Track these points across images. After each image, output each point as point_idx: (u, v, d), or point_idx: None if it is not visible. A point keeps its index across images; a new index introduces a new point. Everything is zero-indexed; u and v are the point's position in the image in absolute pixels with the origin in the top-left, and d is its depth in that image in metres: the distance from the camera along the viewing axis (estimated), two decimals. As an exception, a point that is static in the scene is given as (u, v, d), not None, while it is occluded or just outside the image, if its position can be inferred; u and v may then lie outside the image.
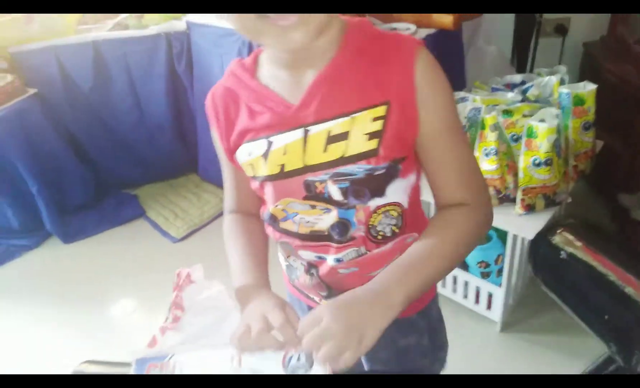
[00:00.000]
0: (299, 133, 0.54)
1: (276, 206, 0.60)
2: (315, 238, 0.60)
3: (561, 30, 1.93)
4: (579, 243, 0.49)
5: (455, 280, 1.41)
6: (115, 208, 2.14)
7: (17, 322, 1.71)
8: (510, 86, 1.35)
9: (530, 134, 1.08)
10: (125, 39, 1.87)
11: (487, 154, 1.15)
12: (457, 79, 1.47)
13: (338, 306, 0.48)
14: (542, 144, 1.07)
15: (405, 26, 1.36)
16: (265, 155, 0.57)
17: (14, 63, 1.95)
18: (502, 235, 1.24)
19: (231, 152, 0.61)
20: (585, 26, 1.94)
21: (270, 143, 0.56)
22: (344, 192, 0.55)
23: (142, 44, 1.89)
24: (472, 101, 1.23)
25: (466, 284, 1.39)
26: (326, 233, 0.59)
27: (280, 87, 0.55)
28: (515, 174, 1.15)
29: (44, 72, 1.93)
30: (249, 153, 0.58)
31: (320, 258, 0.62)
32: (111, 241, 2.02)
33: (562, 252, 0.49)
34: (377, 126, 0.52)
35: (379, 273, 0.52)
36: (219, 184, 2.10)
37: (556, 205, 1.16)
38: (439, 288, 1.45)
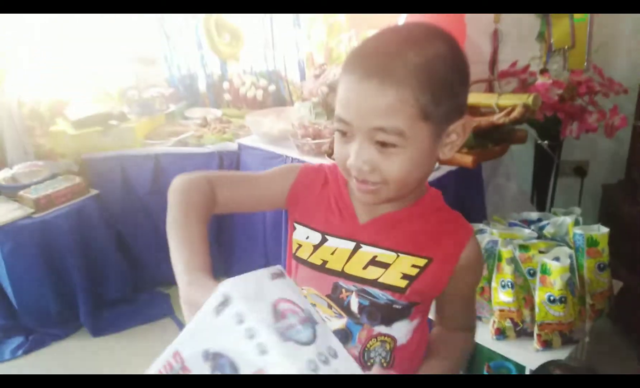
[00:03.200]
0: (351, 244, 0.65)
1: (301, 289, 0.68)
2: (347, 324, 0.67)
3: (580, 172, 2.06)
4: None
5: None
6: (148, 305, 2.26)
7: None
8: (528, 223, 1.44)
9: (544, 271, 1.15)
10: (184, 154, 2.13)
11: (503, 286, 1.22)
12: (477, 211, 1.58)
13: None
14: (556, 282, 1.13)
15: (430, 162, 1.52)
16: (317, 246, 0.67)
17: (84, 167, 2.23)
18: (521, 369, 1.25)
19: (291, 206, 0.71)
20: (604, 169, 2.06)
21: (325, 239, 0.67)
22: (361, 308, 0.64)
23: (197, 159, 2.13)
24: (489, 234, 1.33)
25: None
26: (367, 317, 0.66)
27: (359, 206, 0.67)
28: (532, 309, 1.20)
29: (107, 177, 2.19)
30: (307, 236, 0.68)
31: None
32: (138, 338, 2.10)
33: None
34: (414, 271, 0.63)
35: None
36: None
37: (574, 343, 1.19)
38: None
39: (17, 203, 2.09)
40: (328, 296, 0.66)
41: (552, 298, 1.14)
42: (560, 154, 1.90)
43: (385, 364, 0.66)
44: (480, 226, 1.39)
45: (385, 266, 0.64)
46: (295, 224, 0.71)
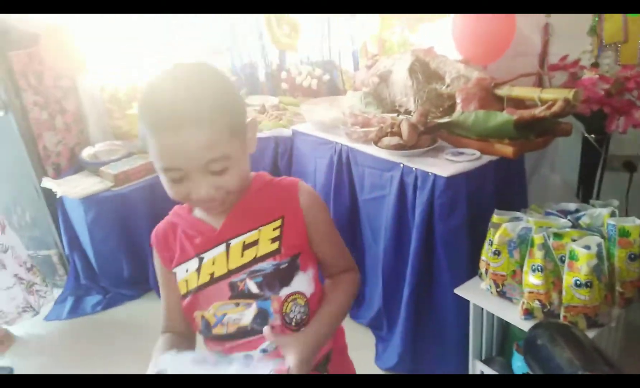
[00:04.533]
0: (222, 247, 0.77)
1: (208, 311, 0.78)
2: (240, 335, 0.77)
3: (629, 166, 2.04)
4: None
5: None
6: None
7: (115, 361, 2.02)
8: (565, 213, 1.50)
9: (572, 256, 1.23)
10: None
11: (533, 270, 1.30)
12: (518, 201, 1.64)
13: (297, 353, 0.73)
14: (582, 267, 1.20)
15: (472, 151, 1.60)
16: (199, 269, 0.78)
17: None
18: (548, 347, 1.33)
19: (170, 274, 0.82)
20: (656, 165, 2.03)
21: (201, 259, 0.78)
22: (260, 285, 0.76)
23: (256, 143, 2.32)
24: (525, 221, 1.41)
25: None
26: (249, 328, 0.76)
27: (208, 218, 0.80)
28: (560, 292, 1.28)
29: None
30: (186, 269, 0.79)
31: (247, 356, 0.78)
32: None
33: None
34: (277, 232, 0.77)
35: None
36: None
37: (598, 326, 1.25)
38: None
39: (98, 177, 2.39)
40: (231, 297, 0.77)
41: (578, 282, 1.21)
42: (608, 148, 1.90)
43: (305, 316, 0.79)
44: (517, 214, 1.47)
45: (255, 243, 0.76)
46: (174, 271, 0.81)
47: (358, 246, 1.95)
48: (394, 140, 1.65)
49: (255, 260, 0.76)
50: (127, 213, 2.30)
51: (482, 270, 1.49)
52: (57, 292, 2.45)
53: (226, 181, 0.71)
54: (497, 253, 1.39)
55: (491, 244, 1.42)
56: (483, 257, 1.49)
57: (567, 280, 1.24)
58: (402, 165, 1.62)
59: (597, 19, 1.85)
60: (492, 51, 1.87)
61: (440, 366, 1.66)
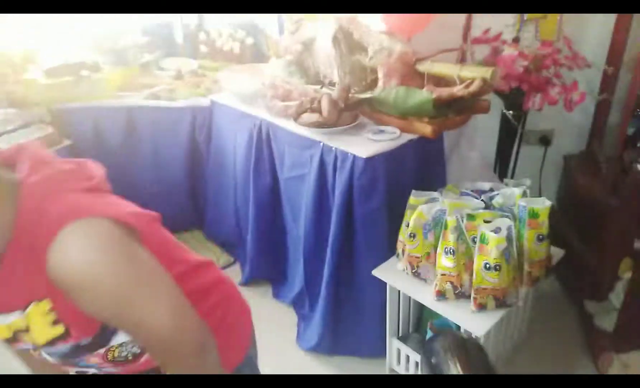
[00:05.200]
0: None
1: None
2: (66, 362, 0.61)
3: (544, 141, 2.11)
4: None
5: (417, 364, 1.51)
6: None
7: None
8: (480, 193, 1.51)
9: (483, 240, 1.23)
10: (156, 107, 2.13)
11: (446, 253, 1.30)
12: (438, 180, 1.64)
13: None
14: (492, 251, 1.21)
15: (392, 129, 1.55)
16: None
17: (56, 117, 2.22)
18: (458, 328, 1.36)
19: None
20: (568, 140, 2.12)
21: None
22: (62, 357, 0.58)
23: (170, 114, 2.14)
24: (440, 203, 1.40)
25: (417, 364, 1.48)
26: (72, 357, 0.59)
27: None
28: (472, 274, 1.29)
29: (80, 128, 2.19)
30: None
31: (82, 371, 0.64)
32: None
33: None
34: (52, 316, 0.51)
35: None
36: (220, 244, 2.28)
37: (507, 307, 1.29)
38: (403, 372, 1.55)
39: (-10, 150, 2.10)
40: (34, 350, 0.60)
41: (487, 265, 1.22)
42: (525, 123, 1.94)
43: (139, 350, 0.62)
44: (434, 195, 1.46)
45: (26, 329, 0.53)
46: None
47: (279, 226, 1.88)
48: (314, 117, 1.56)
49: (41, 346, 0.55)
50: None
51: (399, 250, 1.48)
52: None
53: None
54: (412, 236, 1.37)
55: (407, 226, 1.40)
56: (400, 237, 1.47)
57: (478, 263, 1.24)
58: (322, 144, 1.55)
59: (518, -7, 1.83)
60: (416, 21, 1.80)
61: (359, 344, 1.67)
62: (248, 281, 2.01)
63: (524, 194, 1.43)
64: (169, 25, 2.57)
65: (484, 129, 1.94)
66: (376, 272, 1.47)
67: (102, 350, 0.60)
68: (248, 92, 1.90)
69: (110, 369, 0.64)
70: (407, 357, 1.53)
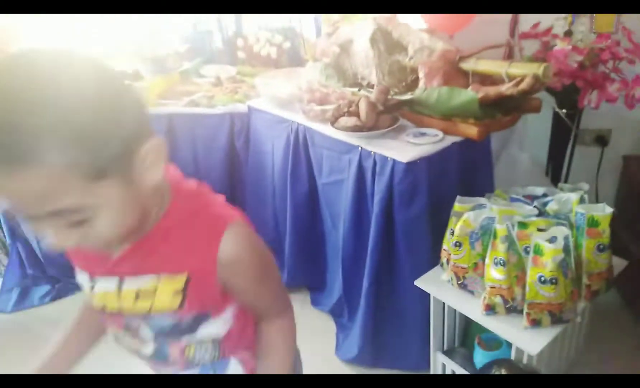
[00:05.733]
0: (114, 281, 0.62)
1: (110, 330, 0.71)
2: (144, 357, 0.69)
3: (601, 141, 1.96)
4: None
5: (453, 374, 1.42)
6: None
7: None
8: (532, 198, 1.40)
9: (537, 251, 1.13)
10: (196, 115, 2.15)
11: (496, 264, 1.21)
12: (484, 185, 1.54)
13: None
14: (548, 263, 1.11)
15: (434, 132, 1.48)
16: (92, 289, 0.66)
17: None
18: (509, 344, 1.26)
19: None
20: (627, 139, 1.95)
21: (94, 281, 0.65)
22: (155, 336, 0.64)
23: (209, 120, 2.14)
24: (488, 210, 1.30)
25: (476, 387, 1.39)
26: (152, 357, 0.68)
27: None
28: (524, 287, 1.19)
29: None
30: (82, 280, 0.67)
31: (157, 367, 0.71)
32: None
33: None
34: (180, 287, 0.59)
35: None
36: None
37: (563, 323, 1.18)
38: None
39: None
40: (124, 329, 0.67)
41: (542, 278, 1.13)
42: (580, 122, 1.81)
43: (215, 356, 0.68)
44: (481, 201, 1.37)
45: (152, 294, 0.60)
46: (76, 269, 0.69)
47: (318, 232, 1.84)
48: (352, 121, 1.51)
49: (150, 312, 0.62)
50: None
51: (444, 259, 1.40)
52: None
53: (91, 233, 0.50)
54: (458, 245, 1.29)
55: (452, 234, 1.32)
56: (444, 246, 1.39)
57: (531, 275, 1.15)
58: (360, 148, 1.49)
59: (571, -18, 1.70)
60: (459, 18, 1.72)
61: (401, 358, 1.59)
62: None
63: (582, 200, 1.32)
64: (208, 33, 2.59)
65: (535, 129, 1.82)
66: (419, 282, 1.40)
67: (184, 339, 0.65)
68: (284, 96, 1.88)
69: (179, 371, 0.69)
70: (453, 372, 1.45)
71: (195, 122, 2.16)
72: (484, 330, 1.32)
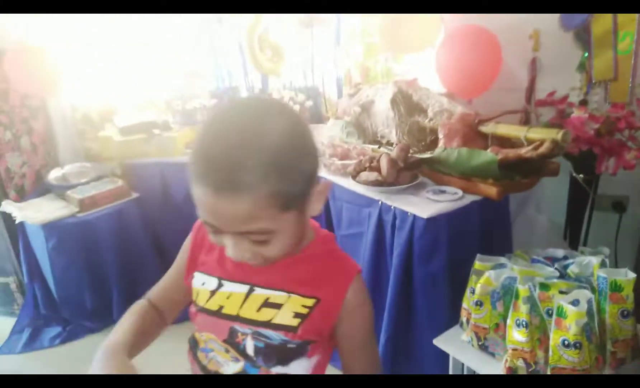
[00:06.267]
0: (245, 288, 0.68)
1: (201, 335, 0.71)
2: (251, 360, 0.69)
3: (619, 207, 1.96)
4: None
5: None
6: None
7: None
8: (552, 260, 1.40)
9: (560, 313, 1.12)
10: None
11: (518, 325, 1.19)
12: (502, 244, 1.55)
13: None
14: (571, 326, 1.09)
15: (454, 190, 1.50)
16: (213, 292, 0.70)
17: (126, 171, 2.37)
18: (533, 411, 1.22)
19: (191, 263, 0.75)
20: (646, 207, 1.96)
21: (221, 285, 0.69)
22: (257, 351, 0.66)
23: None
24: (509, 269, 1.30)
25: None
26: (263, 355, 0.68)
27: None
28: (547, 350, 1.17)
29: (148, 182, 2.32)
30: (203, 282, 0.71)
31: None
32: (165, 339, 2.19)
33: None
34: (304, 311, 0.66)
35: None
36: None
37: (590, 390, 1.14)
38: None
39: (64, 201, 2.25)
40: (225, 341, 0.69)
41: (566, 342, 1.11)
42: (597, 188, 1.82)
43: None
44: (502, 260, 1.37)
45: (278, 306, 0.66)
46: (194, 273, 0.73)
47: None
48: (373, 175, 1.55)
49: (267, 324, 0.67)
50: (91, 240, 2.16)
51: (463, 318, 1.38)
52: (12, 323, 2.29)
53: (264, 251, 0.61)
54: (479, 304, 1.28)
55: (473, 292, 1.31)
56: (464, 305, 1.38)
57: (555, 339, 1.13)
58: (380, 202, 1.52)
59: (586, 55, 1.79)
60: (478, 85, 1.80)
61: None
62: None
63: (603, 264, 1.31)
64: (235, 89, 2.73)
65: (553, 193, 1.84)
66: (438, 342, 1.37)
67: (275, 369, 0.67)
68: (307, 151, 1.94)
69: None
70: (472, 440, 1.39)
71: (218, 172, 2.23)
72: (505, 394, 1.28)
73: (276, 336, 0.66)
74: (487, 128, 1.55)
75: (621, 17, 1.68)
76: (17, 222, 2.15)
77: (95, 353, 0.65)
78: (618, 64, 1.73)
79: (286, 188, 0.56)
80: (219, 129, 0.56)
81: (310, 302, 0.66)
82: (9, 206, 2.19)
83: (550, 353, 1.14)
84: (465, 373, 1.39)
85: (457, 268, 1.43)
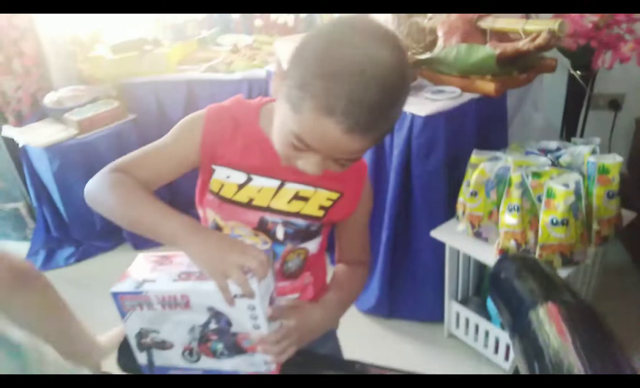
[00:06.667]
0: (276, 183, 0.71)
1: (226, 223, 0.73)
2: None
3: (614, 105, 1.99)
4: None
5: (477, 328, 1.49)
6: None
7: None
8: (545, 151, 1.45)
9: (550, 194, 1.19)
10: (215, 80, 2.20)
11: (510, 210, 1.26)
12: (500, 142, 1.58)
13: (301, 320, 0.69)
14: (560, 205, 1.17)
15: (452, 89, 1.52)
16: (242, 185, 0.70)
17: (121, 92, 2.35)
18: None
19: (206, 156, 0.71)
20: (640, 104, 1.99)
21: (250, 179, 0.71)
22: (286, 235, 0.73)
23: (227, 86, 2.20)
24: (504, 161, 1.36)
25: (487, 333, 1.46)
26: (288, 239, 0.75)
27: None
28: (537, 231, 1.25)
29: (143, 101, 2.31)
30: (227, 175, 0.71)
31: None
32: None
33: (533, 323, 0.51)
34: (328, 203, 0.73)
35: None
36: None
37: (574, 264, 1.24)
38: (463, 336, 1.54)
39: (62, 124, 2.25)
40: (255, 228, 0.72)
41: (554, 220, 1.18)
42: (594, 85, 1.84)
43: (298, 269, 0.77)
44: (497, 154, 1.42)
45: (306, 199, 0.72)
46: (214, 167, 0.71)
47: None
48: (371, 78, 1.55)
49: (297, 215, 0.72)
50: (94, 161, 2.19)
51: (459, 211, 1.46)
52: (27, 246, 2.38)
53: (341, 169, 0.65)
54: (474, 194, 1.34)
55: (468, 185, 1.37)
56: (460, 198, 1.45)
57: (544, 218, 1.21)
58: (378, 104, 1.54)
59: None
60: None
61: (418, 308, 1.66)
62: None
63: (594, 152, 1.37)
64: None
65: (550, 90, 1.86)
66: (435, 233, 1.46)
67: (296, 245, 0.75)
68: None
69: (280, 283, 0.76)
70: (467, 320, 1.52)
71: (214, 87, 2.21)
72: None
73: (303, 223, 0.73)
74: (485, 23, 1.53)
75: None
76: (20, 146, 2.17)
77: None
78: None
79: (391, 128, 0.65)
80: (357, 65, 0.53)
81: (334, 196, 0.73)
82: (9, 131, 2.20)
83: (540, 232, 1.22)
84: (460, 260, 1.49)
85: (455, 166, 1.49)
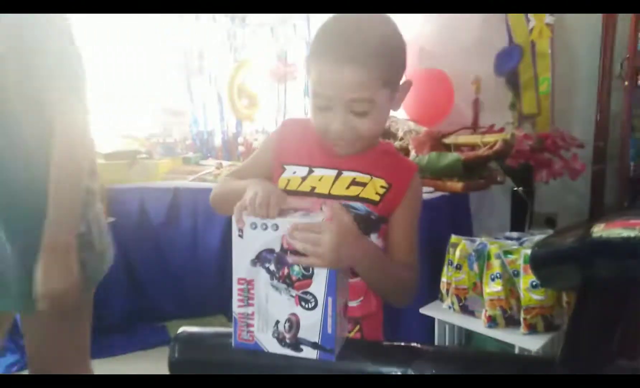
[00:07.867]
0: (334, 172, 0.82)
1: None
2: None
3: (550, 222, 2.34)
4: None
5: None
6: (145, 334, 2.31)
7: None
8: (509, 239, 1.68)
9: (526, 261, 1.37)
10: (201, 189, 2.34)
11: (493, 279, 1.42)
12: (466, 230, 1.80)
13: (338, 231, 0.68)
14: (536, 268, 1.35)
15: (427, 189, 1.78)
16: (305, 177, 0.82)
17: (106, 196, 2.40)
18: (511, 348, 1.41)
19: (278, 159, 0.85)
20: (570, 220, 2.35)
21: (311, 171, 0.82)
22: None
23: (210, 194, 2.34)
24: (480, 239, 1.56)
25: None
26: None
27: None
28: (518, 299, 1.40)
29: (126, 206, 2.36)
30: (294, 171, 0.83)
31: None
32: (132, 362, 2.12)
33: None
34: (382, 190, 0.81)
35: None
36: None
37: (555, 329, 1.37)
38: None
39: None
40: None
41: (534, 283, 1.35)
42: (534, 201, 2.20)
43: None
44: (471, 237, 1.62)
45: (363, 185, 0.81)
46: (284, 166, 0.84)
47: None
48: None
49: (356, 198, 0.80)
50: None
51: (443, 291, 1.59)
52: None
53: (362, 124, 0.75)
54: (458, 267, 1.50)
55: (451, 263, 1.54)
56: (443, 279, 1.59)
57: (524, 283, 1.37)
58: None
59: (516, 96, 2.24)
60: (435, 115, 2.17)
61: None
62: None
63: (551, 239, 1.61)
64: (210, 133, 2.94)
65: (499, 207, 2.18)
66: (424, 310, 1.55)
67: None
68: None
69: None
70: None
71: (199, 194, 2.34)
72: (484, 345, 1.47)
73: (362, 207, 0.80)
74: (449, 140, 1.88)
75: (540, 66, 2.17)
76: None
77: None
78: (540, 102, 2.20)
79: (390, 68, 0.75)
80: (341, 20, 0.75)
81: (386, 184, 0.81)
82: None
83: (522, 296, 1.37)
84: (447, 333, 1.57)
85: (432, 252, 1.66)
